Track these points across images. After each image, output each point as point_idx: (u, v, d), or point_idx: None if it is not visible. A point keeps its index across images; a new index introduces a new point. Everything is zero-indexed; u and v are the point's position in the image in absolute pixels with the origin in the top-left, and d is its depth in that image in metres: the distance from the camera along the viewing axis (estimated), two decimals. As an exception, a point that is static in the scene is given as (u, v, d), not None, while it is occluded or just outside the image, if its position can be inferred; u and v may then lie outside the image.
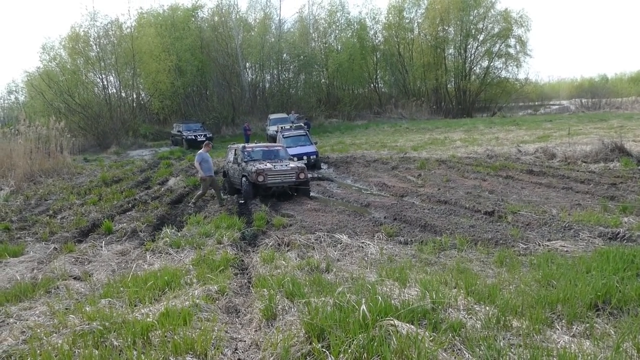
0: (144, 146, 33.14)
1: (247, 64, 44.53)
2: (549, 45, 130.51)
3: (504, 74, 50.15)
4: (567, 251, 7.17)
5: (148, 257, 7.96)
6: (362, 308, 4.35)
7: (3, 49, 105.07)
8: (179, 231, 9.70)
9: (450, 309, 4.78)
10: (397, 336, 3.98)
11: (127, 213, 11.96)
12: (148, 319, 4.71)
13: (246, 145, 15.11)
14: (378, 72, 53.71)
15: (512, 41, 48.62)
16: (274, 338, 4.30)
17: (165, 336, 4.38)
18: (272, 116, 31.31)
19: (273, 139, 23.93)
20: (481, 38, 49.01)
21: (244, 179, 13.31)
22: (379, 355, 3.78)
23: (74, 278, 7.00)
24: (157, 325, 4.58)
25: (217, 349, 4.25)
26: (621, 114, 36.92)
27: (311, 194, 13.79)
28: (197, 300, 5.34)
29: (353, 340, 3.94)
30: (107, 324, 4.63)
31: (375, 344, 3.86)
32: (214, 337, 4.43)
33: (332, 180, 16.69)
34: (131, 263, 7.70)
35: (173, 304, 5.17)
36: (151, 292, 5.78)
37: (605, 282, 5.11)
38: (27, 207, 13.27)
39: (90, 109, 34.05)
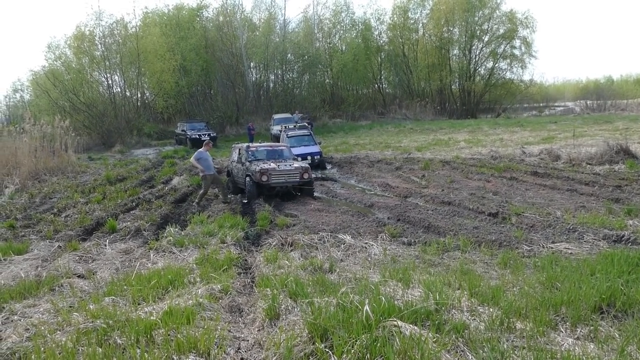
0: (148, 145, 33.23)
1: (252, 63, 44.60)
2: (554, 46, 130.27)
3: (508, 75, 50.23)
4: (571, 253, 7.15)
5: (152, 255, 7.97)
6: (365, 308, 4.34)
7: (9, 48, 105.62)
8: (182, 230, 9.71)
9: (453, 310, 4.76)
10: (400, 337, 3.97)
11: (131, 212, 11.99)
12: (151, 318, 4.72)
13: (250, 144, 15.11)
14: (382, 72, 53.75)
15: (517, 42, 48.65)
16: (277, 338, 4.31)
17: (169, 335, 4.39)
18: (276, 116, 31.35)
19: (277, 138, 23.94)
20: (486, 39, 49.01)
21: (247, 178, 13.32)
22: (382, 356, 3.77)
23: (78, 276, 7.01)
24: (160, 324, 4.58)
25: (220, 348, 4.26)
26: (626, 116, 36.76)
27: (315, 194, 13.78)
28: (201, 299, 5.34)
29: (356, 341, 3.93)
30: (110, 322, 4.64)
31: (379, 344, 3.86)
32: (217, 336, 4.43)
33: (336, 181, 16.69)
34: (135, 262, 7.71)
35: (176, 302, 5.17)
36: (155, 290, 5.79)
37: (610, 284, 5.08)
38: (31, 205, 13.31)
39: (95, 107, 34.14)
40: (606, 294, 4.88)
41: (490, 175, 15.01)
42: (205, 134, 28.91)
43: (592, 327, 4.37)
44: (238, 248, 8.35)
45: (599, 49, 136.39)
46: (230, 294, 5.82)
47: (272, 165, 13.23)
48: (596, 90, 53.12)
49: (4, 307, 5.54)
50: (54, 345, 4.22)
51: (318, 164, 18.84)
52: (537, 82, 53.94)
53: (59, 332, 4.66)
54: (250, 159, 13.79)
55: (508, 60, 49.54)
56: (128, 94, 39.67)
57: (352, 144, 26.87)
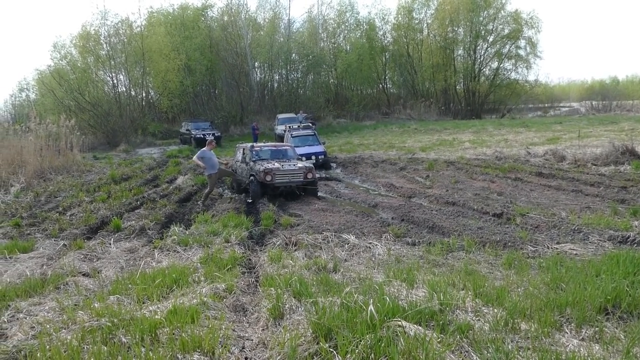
0: (153, 144, 33.32)
1: (256, 63, 44.62)
2: (559, 46, 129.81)
3: (513, 75, 50.07)
4: (576, 254, 7.12)
5: (156, 254, 7.99)
6: (369, 308, 4.34)
7: (15, 47, 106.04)
8: (186, 229, 9.72)
9: (458, 311, 4.76)
10: (404, 337, 3.97)
11: (136, 211, 12.02)
12: (156, 316, 4.73)
13: (254, 144, 15.13)
14: (387, 72, 53.71)
15: (522, 42, 48.52)
16: (281, 337, 4.31)
17: (173, 334, 4.40)
18: (281, 116, 31.34)
19: (281, 138, 23.95)
20: (491, 39, 48.85)
21: (251, 178, 13.34)
22: (386, 356, 3.77)
23: (83, 274, 7.04)
24: (165, 323, 4.59)
25: (225, 347, 4.26)
26: (632, 117, 36.60)
27: (319, 193, 13.78)
28: (205, 299, 5.35)
29: (360, 341, 3.94)
30: (115, 320, 4.66)
31: (383, 344, 3.86)
32: (221, 335, 4.44)
33: (340, 181, 16.68)
34: (139, 260, 7.73)
35: (181, 301, 5.19)
36: (159, 289, 5.80)
37: (615, 285, 5.06)
38: (37, 204, 13.37)
39: (100, 107, 34.26)
40: (611, 295, 4.86)
41: (494, 176, 14.97)
42: (210, 134, 28.95)
43: (597, 328, 4.35)
44: (242, 247, 8.36)
45: (605, 49, 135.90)
46: (235, 293, 5.83)
47: (276, 165, 13.25)
48: (601, 91, 52.87)
49: (9, 305, 5.56)
50: (59, 343, 4.23)
51: (322, 163, 18.84)
52: (542, 82, 53.86)
53: (64, 330, 4.68)
54: (254, 159, 13.81)
55: (513, 61, 49.45)
56: (133, 93, 39.82)
57: (356, 144, 26.86)
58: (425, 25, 51.35)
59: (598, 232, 8.17)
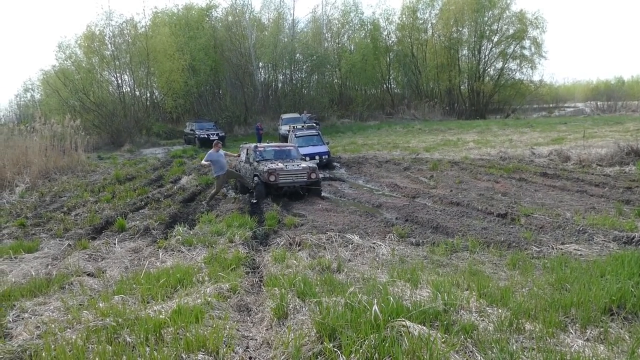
0: (157, 144, 33.39)
1: (260, 63, 44.68)
2: (564, 47, 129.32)
3: (518, 75, 50.01)
4: (581, 255, 7.10)
5: (160, 254, 8.01)
6: (373, 308, 4.34)
7: (20, 47, 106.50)
8: (191, 229, 9.74)
9: (462, 311, 4.75)
10: (408, 337, 3.97)
11: (140, 211, 12.05)
12: (160, 316, 4.75)
13: (258, 144, 15.14)
14: (391, 72, 53.70)
15: (527, 43, 48.38)
16: (285, 337, 4.31)
17: (178, 333, 4.41)
18: (285, 116, 31.36)
19: (285, 138, 23.97)
20: (495, 39, 48.79)
21: (255, 178, 13.35)
22: (390, 356, 3.77)
23: (88, 274, 7.07)
24: (169, 322, 4.61)
25: (229, 347, 4.27)
26: (637, 117, 36.46)
27: (323, 194, 13.77)
28: (209, 298, 5.37)
29: (364, 341, 3.94)
30: (120, 320, 4.68)
31: (387, 344, 3.86)
32: (225, 335, 4.44)
33: (344, 181, 16.67)
34: (144, 260, 7.75)
35: (185, 301, 5.20)
36: (163, 289, 5.82)
37: (620, 286, 5.05)
38: (42, 204, 13.42)
39: (105, 107, 34.36)
40: (616, 296, 4.85)
41: (499, 176, 14.94)
42: (214, 134, 29.00)
43: (602, 329, 4.34)
44: (246, 247, 8.37)
45: (610, 49, 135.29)
46: (239, 293, 5.84)
47: (280, 165, 13.25)
48: (607, 91, 52.72)
49: (15, 305, 5.59)
50: (64, 342, 4.25)
51: (326, 164, 18.85)
52: (547, 82, 53.76)
53: (69, 330, 4.70)
54: (258, 159, 13.82)
55: (518, 61, 49.36)
56: (137, 93, 39.91)
57: (360, 144, 26.85)
58: (430, 25, 51.38)
59: (603, 232, 8.14)
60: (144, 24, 39.82)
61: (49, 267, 7.54)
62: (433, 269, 6.60)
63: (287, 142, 20.28)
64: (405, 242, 8.40)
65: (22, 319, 5.21)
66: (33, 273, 7.01)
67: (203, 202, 12.93)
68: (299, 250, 8.01)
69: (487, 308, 4.84)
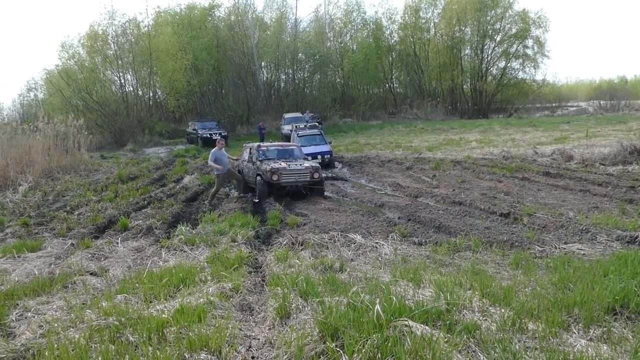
0: (160, 144, 33.44)
1: (263, 63, 44.71)
2: (567, 46, 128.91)
3: (521, 74, 49.94)
4: (584, 254, 7.08)
5: (163, 254, 8.02)
6: (376, 308, 4.34)
7: (23, 47, 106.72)
8: (193, 229, 9.75)
9: (465, 311, 4.74)
10: (411, 337, 3.96)
11: (143, 210, 12.06)
12: (163, 315, 4.75)
13: (261, 144, 15.15)
14: (393, 72, 53.64)
15: (529, 42, 48.37)
16: (288, 336, 4.31)
17: (180, 332, 4.42)
18: (287, 115, 31.36)
19: (288, 138, 23.99)
20: (498, 38, 48.70)
21: (258, 177, 13.34)
22: (393, 356, 3.77)
23: (91, 273, 7.08)
24: (172, 322, 4.61)
25: (231, 346, 4.27)
26: (640, 116, 36.35)
27: (325, 193, 13.78)
28: (212, 298, 5.37)
29: (367, 340, 3.93)
30: (123, 319, 4.68)
31: (390, 344, 3.85)
32: (228, 334, 4.45)
33: (346, 180, 16.67)
34: (146, 260, 7.76)
35: (188, 300, 5.20)
36: (166, 288, 5.82)
37: (623, 285, 5.03)
38: (45, 203, 13.45)
39: (108, 106, 34.44)
40: (619, 295, 4.83)
41: (501, 176, 14.91)
42: (217, 133, 29.02)
43: (605, 329, 4.33)
44: (249, 247, 8.37)
45: (613, 48, 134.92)
46: (241, 292, 5.84)
47: (283, 164, 13.25)
48: (610, 91, 52.55)
49: (18, 304, 5.60)
50: (67, 342, 4.26)
51: (328, 163, 18.85)
52: (549, 82, 53.58)
53: (72, 329, 4.71)
54: (260, 159, 13.82)
55: (520, 60, 49.28)
56: (140, 93, 40.01)
57: (362, 143, 26.84)
58: (432, 24, 51.32)
59: (606, 232, 8.12)
60: (146, 23, 39.98)
61: (52, 266, 7.56)
62: (435, 268, 6.59)
63: (289, 141, 20.28)
64: (407, 241, 8.38)
65: (25, 318, 5.23)
66: (36, 272, 7.02)
67: (205, 202, 12.95)
68: (301, 250, 8.00)
69: (490, 308, 4.83)
